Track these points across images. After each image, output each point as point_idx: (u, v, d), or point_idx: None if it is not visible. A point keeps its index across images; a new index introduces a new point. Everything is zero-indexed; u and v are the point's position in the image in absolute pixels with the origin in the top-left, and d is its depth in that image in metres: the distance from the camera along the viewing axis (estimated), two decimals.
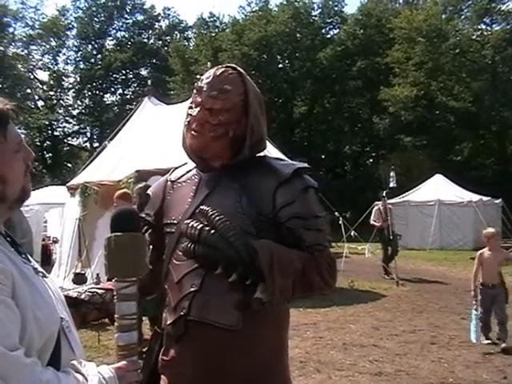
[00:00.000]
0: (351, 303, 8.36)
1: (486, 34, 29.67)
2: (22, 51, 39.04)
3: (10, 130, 1.28)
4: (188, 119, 1.82)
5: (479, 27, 30.12)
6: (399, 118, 29.12)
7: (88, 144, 41.65)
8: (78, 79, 40.31)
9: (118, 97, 42.05)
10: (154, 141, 9.26)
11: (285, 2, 33.47)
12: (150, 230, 1.92)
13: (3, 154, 1.25)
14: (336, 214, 11.71)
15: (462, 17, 30.65)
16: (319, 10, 34.13)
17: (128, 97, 40.93)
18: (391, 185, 12.46)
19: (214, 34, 34.49)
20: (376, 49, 31.47)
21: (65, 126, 40.98)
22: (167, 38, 41.89)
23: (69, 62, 41.20)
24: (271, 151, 8.20)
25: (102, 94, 41.16)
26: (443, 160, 26.57)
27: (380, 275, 11.47)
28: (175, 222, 1.82)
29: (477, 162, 29.54)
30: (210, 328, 1.67)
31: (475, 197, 18.15)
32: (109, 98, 42.04)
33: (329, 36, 34.30)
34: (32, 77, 39.72)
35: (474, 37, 29.76)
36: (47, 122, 37.45)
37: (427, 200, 18.35)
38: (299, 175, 1.79)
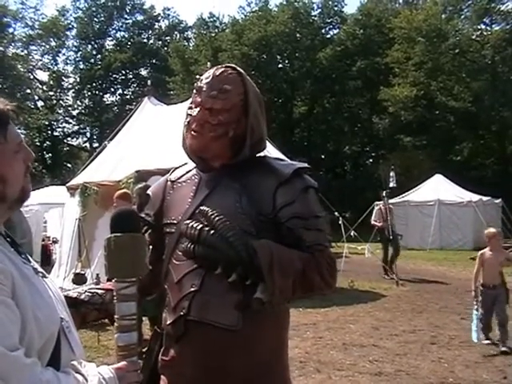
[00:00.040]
0: (351, 303, 8.36)
1: (485, 34, 29.69)
2: (22, 51, 39.08)
3: (10, 131, 1.28)
4: (188, 119, 1.82)
5: (479, 27, 30.15)
6: (399, 118, 29.13)
7: (88, 144, 41.72)
8: (78, 79, 40.33)
9: (118, 97, 42.09)
10: (153, 141, 9.26)
11: (284, 2, 33.50)
12: (149, 230, 1.92)
13: (3, 155, 1.26)
14: (336, 214, 11.71)
15: (462, 17, 30.67)
16: (319, 10, 34.16)
17: (128, 97, 40.94)
18: (391, 185, 12.46)
19: (213, 34, 34.53)
20: (376, 49, 31.49)
21: (64, 127, 41.10)
22: (167, 38, 41.91)
23: (68, 62, 41.34)
24: (271, 151, 8.20)
25: (101, 94, 41.17)
26: (443, 160, 26.59)
27: (380, 275, 11.47)
28: (175, 222, 1.82)
29: (477, 161, 29.56)
30: (210, 328, 1.67)
31: (475, 197, 18.16)
32: (108, 99, 42.15)
33: (328, 36, 34.32)
34: (32, 77, 39.76)
35: (473, 37, 29.78)
36: (47, 123, 37.46)
37: (427, 200, 18.36)
38: (299, 175, 1.79)
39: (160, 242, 1.88)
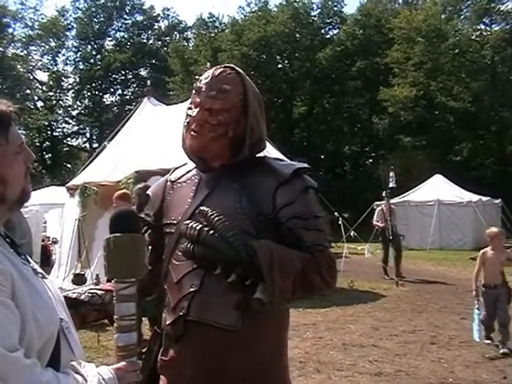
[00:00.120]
0: (351, 303, 8.36)
1: (485, 34, 29.70)
2: (22, 52, 39.07)
3: (11, 132, 1.29)
4: (187, 120, 1.82)
5: (478, 27, 30.15)
6: (399, 118, 29.13)
7: (87, 144, 41.72)
8: (78, 80, 40.31)
9: (118, 97, 42.08)
10: (153, 141, 9.26)
11: (284, 3, 33.50)
12: (149, 231, 1.92)
13: (4, 156, 1.26)
14: (335, 214, 11.72)
15: (462, 17, 30.67)
16: (318, 11, 34.16)
17: (127, 97, 40.93)
18: (391, 185, 12.45)
19: (213, 35, 34.53)
20: (375, 49, 31.49)
21: (64, 127, 41.06)
22: (167, 38, 41.89)
23: (68, 62, 41.30)
24: (271, 151, 8.20)
25: (101, 94, 41.15)
26: (443, 160, 26.59)
27: (380, 275, 11.47)
28: (175, 222, 1.82)
29: (476, 162, 29.56)
30: (210, 328, 1.67)
31: (475, 197, 18.16)
32: (108, 99, 42.14)
33: (328, 36, 34.31)
34: (31, 77, 39.76)
35: (473, 37, 29.78)
36: (47, 123, 37.45)
37: (427, 200, 18.36)
38: (299, 175, 1.79)
39: (160, 243, 1.89)
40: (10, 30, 38.29)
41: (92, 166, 10.52)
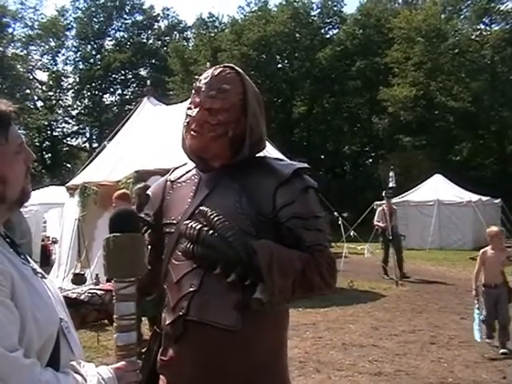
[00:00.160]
0: (351, 303, 8.36)
1: (485, 33, 29.70)
2: (22, 51, 39.06)
3: (11, 132, 1.29)
4: (187, 120, 1.82)
5: (478, 27, 30.17)
6: (398, 118, 29.13)
7: (87, 144, 41.73)
8: (78, 79, 40.32)
9: (118, 97, 42.09)
10: (153, 141, 9.26)
11: (284, 2, 33.51)
12: (149, 231, 1.92)
13: (4, 156, 1.26)
14: (335, 214, 11.72)
15: (462, 17, 30.69)
16: (318, 10, 34.19)
17: (127, 97, 40.94)
18: (390, 185, 12.45)
19: (213, 34, 34.54)
20: (375, 49, 31.50)
21: (64, 127, 41.08)
22: (166, 38, 41.90)
23: (68, 62, 41.31)
24: (270, 151, 8.21)
25: (101, 94, 41.16)
26: (442, 160, 26.59)
27: (379, 275, 11.47)
28: (175, 222, 1.82)
29: (476, 161, 29.57)
30: (209, 328, 1.67)
31: (474, 197, 18.16)
32: (108, 99, 42.15)
33: (328, 36, 34.33)
34: (31, 77, 39.75)
35: (473, 37, 29.80)
36: (46, 123, 37.45)
37: (426, 200, 18.36)
38: (299, 175, 1.79)
39: (159, 242, 1.88)
40: (10, 30, 38.38)
41: (92, 166, 10.52)
